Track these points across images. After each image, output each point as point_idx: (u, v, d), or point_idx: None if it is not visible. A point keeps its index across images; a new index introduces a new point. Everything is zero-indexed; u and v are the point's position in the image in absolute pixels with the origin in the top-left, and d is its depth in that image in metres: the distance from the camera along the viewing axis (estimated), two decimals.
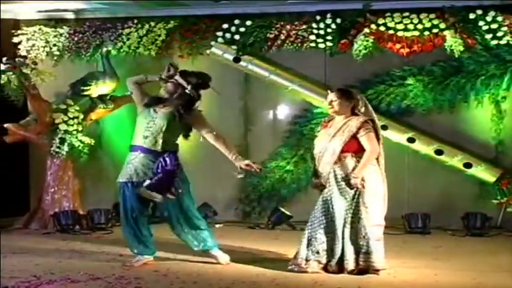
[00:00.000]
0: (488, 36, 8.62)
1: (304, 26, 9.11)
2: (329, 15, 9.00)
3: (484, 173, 8.78)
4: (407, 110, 9.05)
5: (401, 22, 8.75)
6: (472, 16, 8.62)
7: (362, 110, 6.10)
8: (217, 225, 8.88)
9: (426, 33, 8.71)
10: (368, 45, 8.78)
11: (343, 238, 5.90)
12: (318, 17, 9.04)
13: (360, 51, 8.78)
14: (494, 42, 8.66)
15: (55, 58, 9.77)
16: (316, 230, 6.00)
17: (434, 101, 8.91)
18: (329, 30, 9.02)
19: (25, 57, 9.47)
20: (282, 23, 9.18)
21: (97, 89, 9.20)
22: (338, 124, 6.07)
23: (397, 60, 8.98)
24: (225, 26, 9.29)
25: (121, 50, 9.56)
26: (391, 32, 8.79)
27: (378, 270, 5.87)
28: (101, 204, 8.91)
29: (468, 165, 8.77)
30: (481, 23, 8.60)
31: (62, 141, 8.85)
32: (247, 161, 6.29)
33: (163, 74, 6.42)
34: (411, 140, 8.91)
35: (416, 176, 9.02)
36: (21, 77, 8.82)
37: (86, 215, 8.80)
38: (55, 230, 8.49)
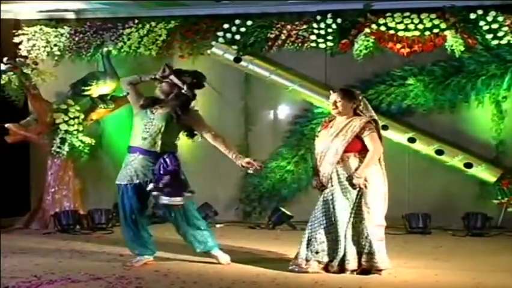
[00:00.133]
0: (489, 36, 8.62)
1: (304, 26, 9.11)
2: (329, 15, 9.00)
3: (484, 173, 8.78)
4: (408, 110, 9.05)
5: (401, 22, 8.75)
6: (472, 16, 8.62)
7: (363, 110, 6.10)
8: (217, 225, 8.88)
9: (427, 33, 8.71)
10: (368, 45, 8.78)
11: (345, 238, 5.91)
12: (318, 17, 9.04)
13: (360, 51, 8.78)
14: (495, 42, 8.66)
15: (56, 58, 9.77)
16: (316, 230, 6.00)
17: (435, 101, 8.91)
18: (329, 30, 9.02)
19: (26, 57, 9.48)
20: (282, 23, 9.18)
21: (98, 89, 9.21)
22: (339, 124, 6.07)
23: (398, 60, 8.98)
24: (226, 26, 9.30)
25: (122, 50, 9.57)
26: (392, 32, 8.79)
27: (381, 270, 5.87)
28: (102, 204, 8.92)
29: (468, 165, 8.77)
30: (481, 23, 8.60)
31: (63, 141, 8.86)
32: (247, 159, 6.28)
33: (157, 74, 6.41)
34: (411, 140, 8.91)
35: (417, 176, 9.02)
36: (22, 77, 8.82)
37: (87, 215, 8.80)
38: (56, 230, 8.49)
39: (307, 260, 5.99)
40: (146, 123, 6.30)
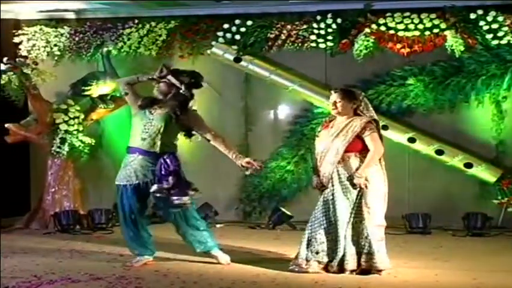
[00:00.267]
0: (489, 36, 8.62)
1: (305, 26, 9.11)
2: (329, 15, 9.00)
3: (484, 173, 8.78)
4: (408, 110, 9.04)
5: (401, 22, 8.75)
6: (472, 16, 8.62)
7: (364, 109, 6.11)
8: (218, 225, 8.88)
9: (427, 33, 8.71)
10: (368, 45, 8.78)
11: (345, 238, 5.91)
12: (318, 17, 9.04)
13: (360, 51, 8.78)
14: (495, 42, 8.66)
15: (56, 58, 9.78)
16: (316, 230, 6.00)
17: (435, 101, 8.91)
18: (329, 30, 9.02)
19: (26, 57, 9.48)
20: (282, 23, 9.18)
21: (98, 89, 9.21)
22: (340, 124, 6.07)
23: (398, 60, 8.98)
24: (226, 26, 9.29)
25: (122, 50, 9.57)
26: (392, 32, 8.79)
27: (380, 271, 5.87)
28: (102, 204, 8.93)
29: (469, 165, 8.77)
30: (481, 22, 8.60)
31: (63, 141, 8.86)
32: (247, 159, 6.29)
33: (155, 74, 6.41)
34: (411, 140, 8.91)
35: (417, 176, 9.02)
36: (22, 77, 8.82)
37: (87, 215, 8.80)
38: (56, 230, 8.49)
39: (307, 260, 5.99)
40: (145, 124, 6.30)
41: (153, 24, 9.49)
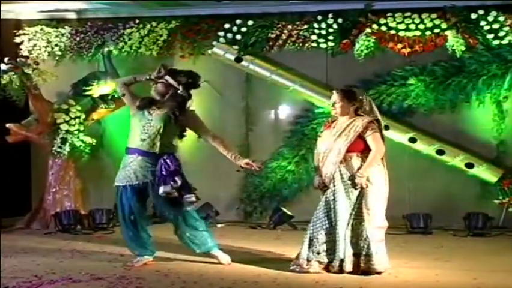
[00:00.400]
0: (490, 36, 8.62)
1: (305, 26, 9.11)
2: (330, 15, 9.00)
3: (485, 173, 8.77)
4: (409, 110, 9.04)
5: (402, 22, 8.76)
6: (473, 16, 8.62)
7: (367, 108, 6.10)
8: (218, 225, 8.89)
9: (428, 33, 8.71)
10: (369, 45, 8.78)
11: (345, 239, 5.90)
12: (319, 17, 9.05)
13: (361, 51, 8.78)
14: (496, 42, 8.66)
15: (57, 58, 9.78)
16: (318, 230, 6.00)
17: (436, 101, 8.91)
18: (330, 30, 9.02)
19: (27, 57, 9.48)
20: (283, 23, 9.18)
21: (99, 89, 9.22)
22: (342, 124, 6.07)
23: (399, 60, 8.98)
24: (227, 26, 9.30)
25: (123, 50, 9.57)
26: (393, 32, 8.80)
27: (379, 273, 5.87)
28: (103, 204, 8.92)
29: (470, 165, 8.77)
30: (482, 22, 8.60)
31: (64, 141, 8.86)
32: (246, 160, 6.29)
33: (152, 75, 6.40)
34: (412, 140, 8.91)
35: (418, 176, 9.02)
36: (23, 77, 8.83)
37: (88, 215, 8.81)
38: (57, 229, 8.49)
39: (308, 260, 5.99)
40: (144, 125, 6.28)
41: (154, 24, 9.49)
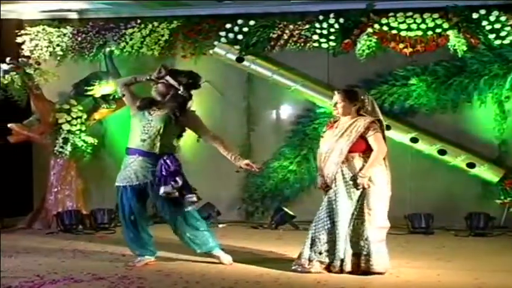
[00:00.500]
0: (492, 35, 8.62)
1: (307, 26, 9.11)
2: (332, 15, 9.00)
3: (487, 172, 8.77)
4: (410, 110, 9.04)
5: (404, 22, 8.75)
6: (475, 16, 8.62)
7: (369, 110, 6.10)
8: (220, 225, 8.89)
9: (430, 33, 8.71)
10: (371, 45, 8.77)
11: (346, 239, 5.90)
12: (321, 17, 9.05)
13: (363, 51, 8.78)
14: (498, 42, 8.66)
15: (58, 58, 9.79)
16: (320, 230, 6.00)
17: (437, 100, 8.90)
18: (332, 30, 9.02)
19: (28, 57, 9.49)
20: (285, 22, 9.18)
21: (100, 89, 9.22)
22: (344, 125, 6.06)
23: (400, 60, 8.98)
24: (228, 26, 9.30)
25: (124, 50, 9.58)
26: (394, 31, 8.79)
27: (380, 273, 5.86)
28: (105, 204, 8.93)
29: (471, 165, 8.77)
30: (484, 22, 8.60)
31: (66, 141, 8.87)
32: (246, 161, 6.28)
33: (153, 75, 6.40)
34: (414, 140, 8.91)
35: (419, 176, 9.01)
36: (24, 77, 8.83)
37: (89, 215, 8.81)
38: (58, 229, 8.49)
39: (310, 260, 5.99)
40: (144, 125, 6.28)
41: (155, 24, 9.50)
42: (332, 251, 5.96)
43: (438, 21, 8.67)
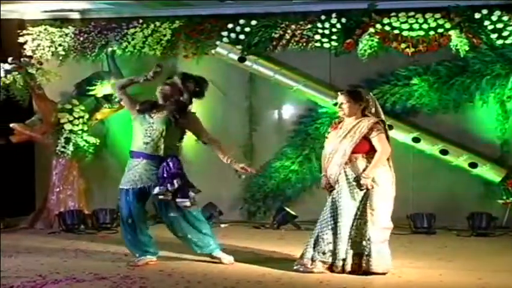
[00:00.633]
0: (494, 35, 8.62)
1: (309, 26, 9.11)
2: (334, 15, 9.00)
3: (489, 172, 8.77)
4: (412, 110, 9.04)
5: (406, 22, 8.75)
6: (477, 16, 8.61)
7: (373, 110, 6.10)
8: (222, 225, 8.89)
9: (432, 32, 8.71)
10: (373, 44, 8.78)
11: (348, 240, 5.90)
12: (323, 17, 9.05)
13: (365, 50, 8.78)
14: (500, 41, 8.66)
15: (60, 58, 9.80)
16: (324, 230, 5.99)
17: (439, 100, 8.90)
18: (334, 30, 9.02)
19: (31, 57, 9.50)
20: (287, 22, 9.18)
21: (102, 88, 9.23)
22: (348, 125, 6.06)
23: (402, 60, 8.97)
24: (230, 25, 9.30)
25: (126, 50, 9.58)
26: (396, 31, 8.79)
27: (381, 273, 5.86)
28: (107, 203, 8.93)
29: (473, 165, 8.76)
30: (486, 22, 8.59)
31: (68, 141, 8.88)
32: (242, 164, 6.32)
33: (148, 75, 6.39)
34: (416, 139, 8.90)
35: (421, 176, 9.00)
36: (26, 77, 8.85)
37: (92, 215, 8.81)
38: (60, 229, 8.50)
39: (313, 260, 5.99)
40: (146, 128, 6.28)
41: (157, 24, 9.50)
42: (335, 250, 5.95)
43: (440, 21, 8.67)
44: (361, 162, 5.96)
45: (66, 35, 9.74)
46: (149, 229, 6.51)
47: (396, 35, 8.80)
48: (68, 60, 9.82)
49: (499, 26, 8.59)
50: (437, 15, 8.69)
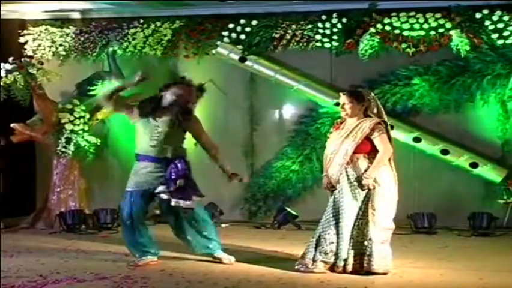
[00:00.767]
0: (495, 35, 8.61)
1: (310, 26, 9.11)
2: (334, 15, 9.00)
3: (490, 172, 8.76)
4: (413, 110, 9.03)
5: (407, 22, 8.75)
6: (478, 15, 8.61)
7: (375, 110, 6.10)
8: (223, 225, 8.88)
9: (432, 32, 8.71)
10: (373, 44, 8.77)
11: (350, 240, 5.90)
12: (323, 17, 9.04)
13: (366, 50, 8.77)
14: (501, 41, 8.65)
15: (61, 58, 9.80)
16: (325, 230, 5.99)
17: (440, 100, 8.89)
18: (334, 29, 9.01)
19: (31, 57, 9.50)
20: (287, 22, 9.17)
21: (103, 88, 9.22)
22: (350, 126, 6.06)
23: (403, 60, 8.97)
24: (231, 25, 9.30)
25: (127, 50, 9.58)
26: (397, 31, 8.78)
27: (383, 274, 5.86)
28: (107, 203, 8.92)
29: (474, 165, 8.75)
30: (487, 22, 8.59)
31: (68, 140, 8.87)
32: (232, 171, 6.38)
33: (133, 82, 6.37)
34: (417, 139, 8.90)
35: (422, 175, 9.00)
36: (27, 77, 8.85)
37: (92, 215, 8.81)
38: (61, 229, 8.50)
39: (314, 261, 5.98)
40: (152, 131, 6.26)
41: (158, 24, 9.50)
42: (337, 250, 5.95)
43: (441, 21, 8.66)
44: (363, 162, 5.96)
45: (67, 35, 9.74)
46: (149, 230, 6.50)
47: (397, 35, 8.79)
48: (69, 60, 9.82)
49: (500, 26, 8.58)
50: (438, 15, 8.68)
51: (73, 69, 9.69)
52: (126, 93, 8.98)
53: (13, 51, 9.32)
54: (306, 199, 9.20)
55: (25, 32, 9.79)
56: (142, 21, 9.54)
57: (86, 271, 6.04)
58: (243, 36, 9.27)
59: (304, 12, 9.21)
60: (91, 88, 9.19)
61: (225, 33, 9.32)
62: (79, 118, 8.95)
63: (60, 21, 9.85)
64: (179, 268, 6.21)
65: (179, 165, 6.20)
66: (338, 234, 5.94)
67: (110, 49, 9.44)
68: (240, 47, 9.33)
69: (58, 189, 8.94)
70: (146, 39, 9.52)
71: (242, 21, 9.26)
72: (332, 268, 5.96)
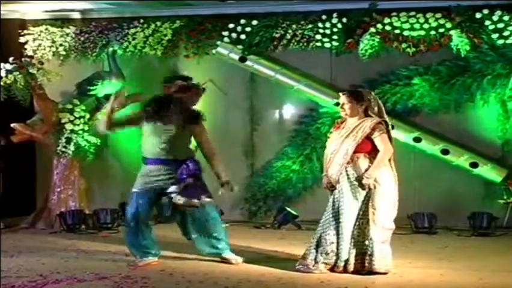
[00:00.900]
0: (495, 35, 8.62)
1: (310, 26, 9.11)
2: (335, 15, 9.00)
3: (490, 172, 8.76)
4: (413, 110, 9.03)
5: (407, 21, 8.75)
6: (478, 15, 8.61)
7: (375, 110, 6.10)
8: (223, 225, 8.86)
9: (433, 32, 8.71)
10: (374, 44, 8.77)
11: (351, 239, 5.90)
12: (324, 17, 9.04)
13: (366, 50, 8.77)
14: (501, 41, 8.65)
15: (61, 58, 9.80)
16: (326, 231, 5.99)
17: (440, 100, 8.89)
18: (335, 29, 9.02)
19: (31, 57, 9.48)
20: (288, 22, 9.17)
21: (103, 88, 9.22)
22: (350, 125, 6.06)
23: (403, 60, 8.97)
24: (231, 25, 9.30)
25: (127, 50, 9.58)
26: (397, 31, 8.79)
27: (383, 273, 5.86)
28: (108, 203, 8.93)
29: (474, 165, 8.76)
30: (487, 22, 8.59)
31: (68, 140, 8.87)
32: (226, 179, 6.37)
33: (113, 103, 6.34)
34: (417, 139, 8.90)
35: (422, 175, 9.00)
36: (27, 77, 8.85)
37: (92, 215, 8.81)
38: (61, 229, 8.50)
39: (315, 262, 5.98)
40: (160, 134, 6.23)
41: (158, 24, 9.50)
42: (338, 250, 5.95)
43: (441, 21, 8.67)
44: (363, 162, 5.96)
45: (67, 34, 9.75)
46: (152, 232, 6.49)
47: (397, 34, 8.79)
48: (69, 60, 9.83)
49: (500, 25, 8.58)
50: (438, 15, 8.68)
51: (73, 69, 9.70)
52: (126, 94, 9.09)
53: (13, 51, 9.32)
54: (306, 199, 9.20)
55: (25, 32, 9.79)
56: (142, 21, 9.55)
57: (86, 271, 6.04)
58: (243, 36, 9.28)
59: (304, 12, 9.21)
60: (91, 88, 9.19)
61: (225, 33, 9.32)
62: (79, 118, 8.95)
63: (60, 21, 9.85)
64: (179, 268, 6.21)
65: (190, 165, 6.20)
66: (338, 234, 5.94)
67: (111, 49, 9.44)
68: (240, 46, 9.33)
69: (58, 189, 8.94)
70: (146, 39, 9.52)
71: (242, 21, 9.26)
72: (333, 268, 5.96)
